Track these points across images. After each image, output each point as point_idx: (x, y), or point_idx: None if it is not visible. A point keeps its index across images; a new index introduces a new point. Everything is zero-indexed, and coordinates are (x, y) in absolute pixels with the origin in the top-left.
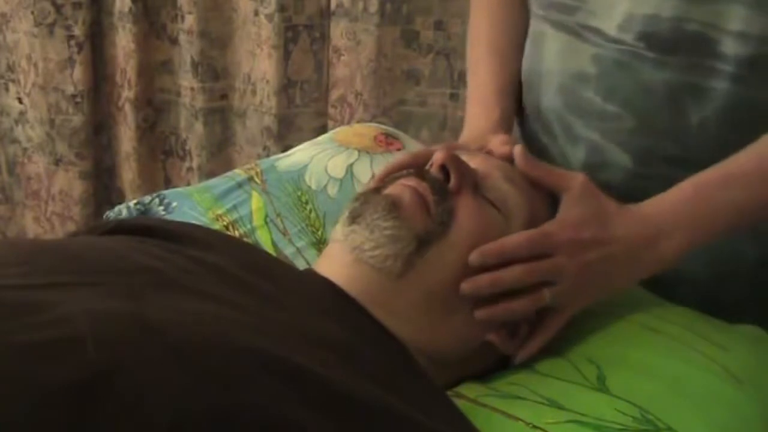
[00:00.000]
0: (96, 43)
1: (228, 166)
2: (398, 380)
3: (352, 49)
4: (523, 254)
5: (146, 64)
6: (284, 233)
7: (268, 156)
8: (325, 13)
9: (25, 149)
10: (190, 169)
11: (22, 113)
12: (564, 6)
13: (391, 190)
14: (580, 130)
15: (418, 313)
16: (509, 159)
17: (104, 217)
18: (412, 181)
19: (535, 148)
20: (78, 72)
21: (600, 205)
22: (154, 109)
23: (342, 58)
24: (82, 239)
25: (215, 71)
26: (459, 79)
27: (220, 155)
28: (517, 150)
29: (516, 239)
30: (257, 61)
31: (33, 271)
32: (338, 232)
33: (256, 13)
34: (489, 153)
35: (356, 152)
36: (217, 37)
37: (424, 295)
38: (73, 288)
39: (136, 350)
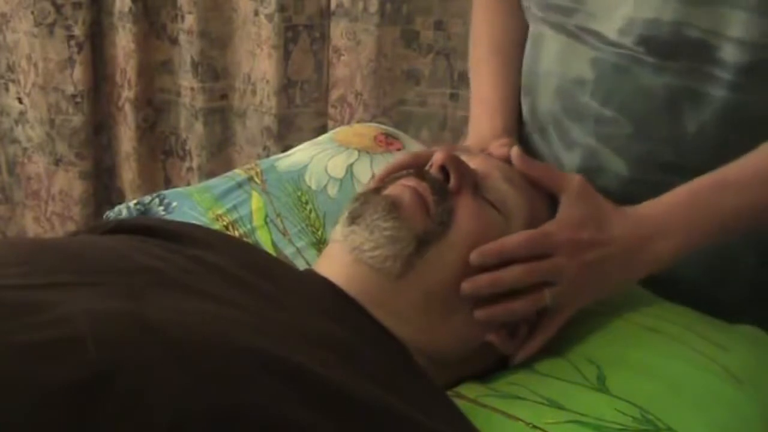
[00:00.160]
0: (96, 43)
1: (228, 166)
2: (398, 380)
3: (352, 49)
4: (522, 254)
5: (146, 64)
6: (284, 233)
7: (268, 156)
8: (325, 13)
9: (25, 149)
10: (190, 169)
11: (22, 113)
12: (562, 8)
13: (390, 190)
14: (576, 134)
15: (417, 313)
16: (507, 159)
17: (104, 217)
18: (411, 182)
19: (530, 151)
20: (78, 72)
21: (598, 206)
22: (154, 109)
23: (342, 58)
24: (83, 238)
25: (215, 71)
26: (459, 79)
27: (220, 155)
28: (515, 150)
29: (516, 239)
30: (257, 61)
31: (33, 271)
32: (338, 232)
33: (256, 13)
34: (488, 154)
35: (356, 152)
36: (217, 37)
37: (424, 295)
38: (74, 288)
39: (136, 350)
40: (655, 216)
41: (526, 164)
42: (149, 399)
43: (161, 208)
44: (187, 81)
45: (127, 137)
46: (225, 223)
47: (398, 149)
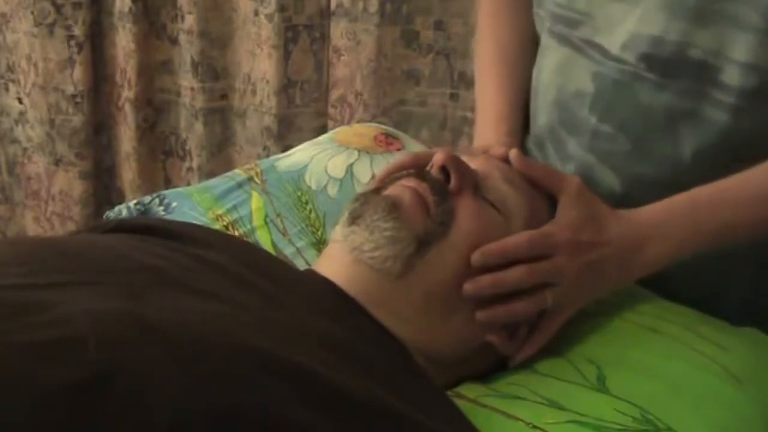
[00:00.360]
0: (96, 43)
1: (228, 166)
2: (398, 380)
3: (352, 49)
4: (524, 255)
5: (146, 64)
6: (284, 233)
7: (268, 156)
8: (325, 13)
9: (25, 149)
10: (190, 169)
11: (22, 113)
12: (569, 20)
13: (391, 190)
14: (572, 148)
15: (417, 314)
16: (506, 159)
17: (104, 217)
18: (412, 182)
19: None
20: (78, 72)
21: (596, 208)
22: (154, 109)
23: (342, 58)
24: (84, 237)
25: (215, 71)
26: (459, 79)
27: (220, 155)
28: (513, 151)
29: (517, 239)
30: (257, 61)
31: (33, 270)
32: (338, 232)
33: (256, 13)
34: (488, 154)
35: (356, 152)
36: (217, 37)
37: (424, 295)
38: (74, 287)
39: (136, 350)
40: (649, 221)
41: (525, 164)
42: (149, 399)
43: (161, 208)
44: (187, 81)
45: (127, 137)
46: (225, 223)
47: (398, 149)
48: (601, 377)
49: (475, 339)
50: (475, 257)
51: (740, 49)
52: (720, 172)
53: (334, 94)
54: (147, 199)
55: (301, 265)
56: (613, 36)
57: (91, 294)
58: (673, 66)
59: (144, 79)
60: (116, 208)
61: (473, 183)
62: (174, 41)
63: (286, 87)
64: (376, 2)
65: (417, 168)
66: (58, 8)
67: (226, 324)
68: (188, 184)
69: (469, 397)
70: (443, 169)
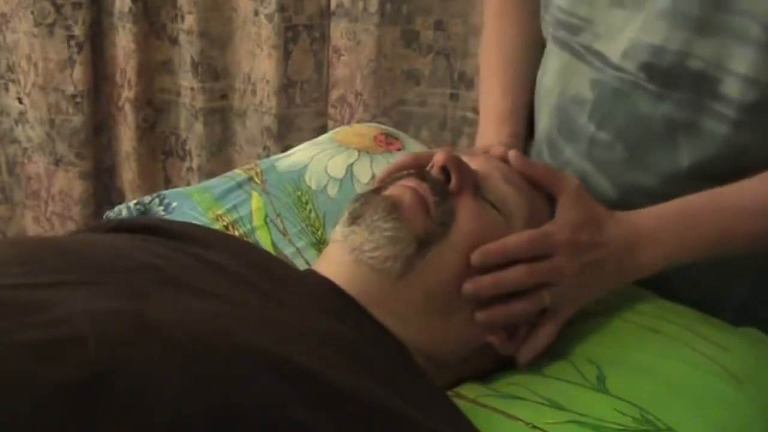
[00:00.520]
0: (96, 43)
1: (228, 166)
2: (398, 380)
3: (352, 49)
4: (524, 254)
5: (146, 64)
6: (284, 233)
7: (268, 156)
8: (325, 13)
9: (25, 149)
10: (190, 169)
11: (22, 113)
12: (571, 26)
13: (391, 191)
14: (569, 154)
15: (417, 314)
16: (505, 159)
17: (104, 217)
18: (412, 182)
19: None
20: (78, 72)
21: (594, 209)
22: (154, 109)
23: (342, 58)
24: (84, 236)
25: (215, 71)
26: (459, 79)
27: (220, 155)
28: (512, 151)
29: (517, 239)
30: (257, 61)
31: (33, 270)
32: (338, 232)
33: (256, 13)
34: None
35: (356, 152)
36: (217, 37)
37: (424, 295)
38: (74, 287)
39: (136, 350)
40: (643, 224)
41: (524, 164)
42: (149, 399)
43: (161, 208)
44: (187, 81)
45: (127, 137)
46: (225, 223)
47: (398, 149)
48: (601, 377)
49: (475, 339)
50: (475, 257)
51: (740, 61)
52: (717, 185)
53: (334, 94)
54: (147, 199)
55: (301, 265)
56: (614, 43)
57: (91, 294)
58: (673, 76)
59: (144, 79)
60: (116, 208)
61: (473, 183)
62: (174, 41)
63: (286, 87)
64: (376, 2)
65: (417, 168)
66: (58, 8)
67: (227, 324)
68: (188, 184)
69: (469, 397)
70: (443, 169)
